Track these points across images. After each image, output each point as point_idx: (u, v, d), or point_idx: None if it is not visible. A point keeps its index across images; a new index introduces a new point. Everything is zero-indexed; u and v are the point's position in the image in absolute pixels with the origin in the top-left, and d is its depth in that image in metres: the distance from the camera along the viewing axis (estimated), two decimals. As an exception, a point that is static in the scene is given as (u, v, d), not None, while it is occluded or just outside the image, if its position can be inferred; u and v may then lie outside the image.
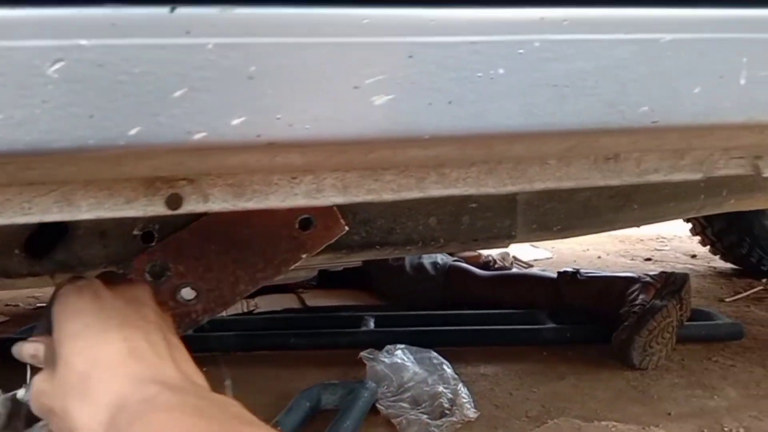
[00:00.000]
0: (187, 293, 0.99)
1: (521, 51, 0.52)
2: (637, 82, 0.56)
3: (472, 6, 0.51)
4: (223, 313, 2.43)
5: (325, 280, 2.89)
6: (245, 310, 2.50)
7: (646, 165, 0.73)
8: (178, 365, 0.69)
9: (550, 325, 2.29)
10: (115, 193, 0.60)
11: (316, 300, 2.73)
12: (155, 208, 0.61)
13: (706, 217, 3.13)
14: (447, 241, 1.11)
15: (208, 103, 0.48)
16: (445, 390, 1.77)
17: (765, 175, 0.80)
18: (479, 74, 0.52)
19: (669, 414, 1.79)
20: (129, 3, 0.46)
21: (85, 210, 0.59)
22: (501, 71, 0.52)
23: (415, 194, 0.67)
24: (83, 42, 0.45)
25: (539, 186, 0.70)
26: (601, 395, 1.90)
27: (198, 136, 0.49)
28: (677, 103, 0.58)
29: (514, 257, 3.38)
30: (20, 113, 0.45)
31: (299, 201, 0.64)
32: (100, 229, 0.99)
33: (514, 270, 3.12)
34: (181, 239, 0.98)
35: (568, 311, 2.36)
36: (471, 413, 1.72)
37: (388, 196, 0.67)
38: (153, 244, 0.99)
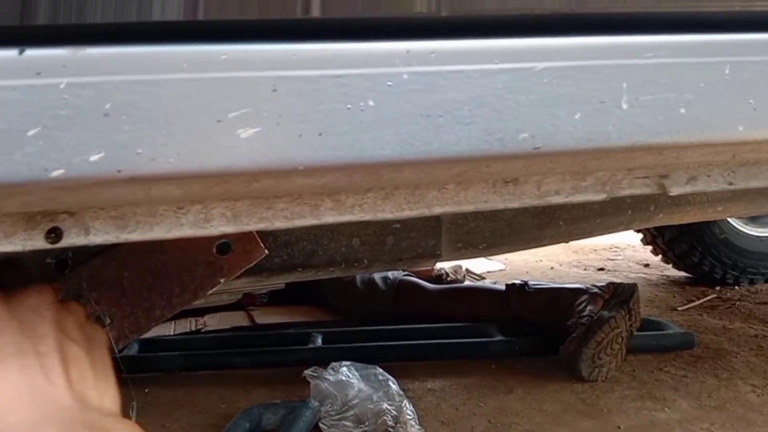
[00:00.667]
0: (102, 320, 0.97)
1: (390, 83, 0.52)
2: (514, 110, 0.56)
3: (336, 40, 0.51)
4: (170, 332, 2.43)
5: (276, 297, 2.86)
6: (192, 328, 2.47)
7: (546, 187, 0.73)
8: (73, 389, 0.68)
9: (499, 337, 2.29)
10: (-7, 229, 0.59)
11: (265, 317, 2.71)
12: (34, 242, 0.60)
13: (656, 227, 3.16)
14: (371, 262, 1.10)
15: (64, 141, 0.47)
16: (389, 407, 1.76)
17: (672, 193, 0.80)
18: (348, 106, 0.52)
19: (619, 427, 1.79)
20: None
21: (-39, 246, 0.58)
22: (371, 103, 0.52)
23: (310, 221, 0.67)
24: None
25: (438, 210, 0.70)
26: (549, 409, 1.90)
27: (56, 174, 0.48)
28: (558, 129, 0.58)
29: (466, 270, 3.38)
30: None
31: (186, 231, 0.63)
32: (14, 257, 0.98)
33: (465, 283, 3.13)
34: (95, 267, 0.97)
35: (517, 323, 2.37)
36: (415, 430, 1.71)
37: (281, 224, 0.66)
38: (67, 272, 0.98)
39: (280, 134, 0.51)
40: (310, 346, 2.26)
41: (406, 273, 2.74)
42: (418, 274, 2.80)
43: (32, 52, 0.46)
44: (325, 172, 0.56)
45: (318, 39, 0.51)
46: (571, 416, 1.85)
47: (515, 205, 0.72)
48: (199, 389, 2.06)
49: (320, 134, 0.52)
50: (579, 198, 0.75)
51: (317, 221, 0.67)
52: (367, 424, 1.72)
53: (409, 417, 1.73)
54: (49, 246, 0.60)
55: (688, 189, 0.78)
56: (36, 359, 0.67)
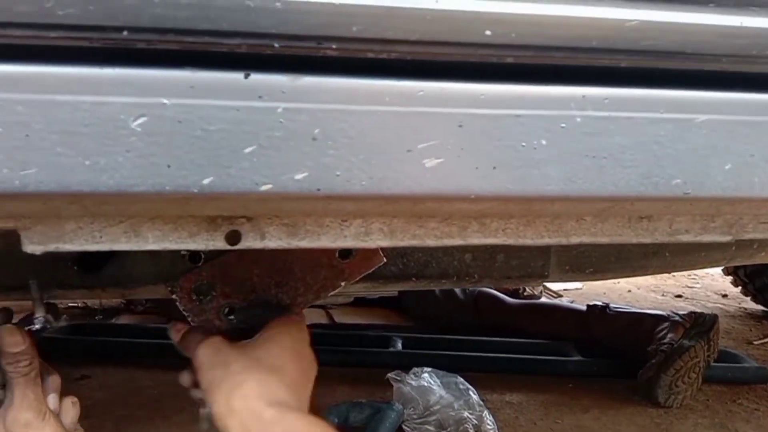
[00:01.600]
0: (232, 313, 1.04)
1: (563, 125, 0.56)
2: (671, 157, 0.59)
3: (519, 82, 0.55)
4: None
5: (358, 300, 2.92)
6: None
7: (677, 226, 0.77)
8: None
9: (577, 357, 2.31)
10: (180, 228, 0.65)
11: (344, 317, 2.77)
12: (216, 243, 0.66)
13: (739, 259, 3.10)
14: (481, 278, 1.14)
15: (275, 159, 0.53)
16: (470, 416, 1.80)
17: (793, 239, 0.83)
18: (523, 144, 0.56)
19: (691, 454, 1.81)
20: (206, 67, 0.51)
21: (151, 241, 0.64)
22: (543, 142, 0.56)
23: (457, 241, 0.71)
24: (165, 101, 0.51)
25: (575, 240, 0.74)
26: (624, 430, 1.92)
27: (264, 188, 0.53)
28: (709, 177, 0.61)
29: (543, 285, 3.39)
30: (104, 160, 0.51)
31: (348, 242, 0.69)
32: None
33: (543, 299, 3.14)
34: (228, 262, 1.03)
35: (595, 344, 2.38)
36: (495, 441, 1.75)
37: (431, 242, 0.71)
38: (200, 264, 1.04)
39: (460, 166, 0.56)
40: (391, 349, 2.31)
41: (483, 284, 2.77)
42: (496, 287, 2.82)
43: (256, 77, 0.52)
44: (487, 201, 0.60)
45: (503, 80, 0.55)
46: (646, 439, 1.87)
47: (647, 240, 0.76)
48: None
49: (494, 168, 0.56)
50: (706, 238, 0.78)
51: (464, 242, 0.72)
52: (449, 430, 1.76)
53: (489, 427, 1.77)
54: (228, 247, 0.66)
55: (806, 236, 0.80)
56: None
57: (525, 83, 0.56)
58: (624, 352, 2.29)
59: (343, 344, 2.33)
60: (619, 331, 2.35)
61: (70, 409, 0.97)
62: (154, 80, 0.50)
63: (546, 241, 0.73)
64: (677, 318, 2.27)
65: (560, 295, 3.45)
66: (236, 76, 0.52)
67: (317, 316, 2.76)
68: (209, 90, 0.52)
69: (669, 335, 2.19)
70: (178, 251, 1.05)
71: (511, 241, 0.72)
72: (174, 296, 1.03)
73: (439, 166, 0.55)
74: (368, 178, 0.55)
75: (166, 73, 0.51)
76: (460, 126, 0.55)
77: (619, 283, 3.90)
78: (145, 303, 3.00)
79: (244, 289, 1.04)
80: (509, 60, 0.55)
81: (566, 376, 2.28)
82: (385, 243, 0.70)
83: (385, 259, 1.06)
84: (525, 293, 3.15)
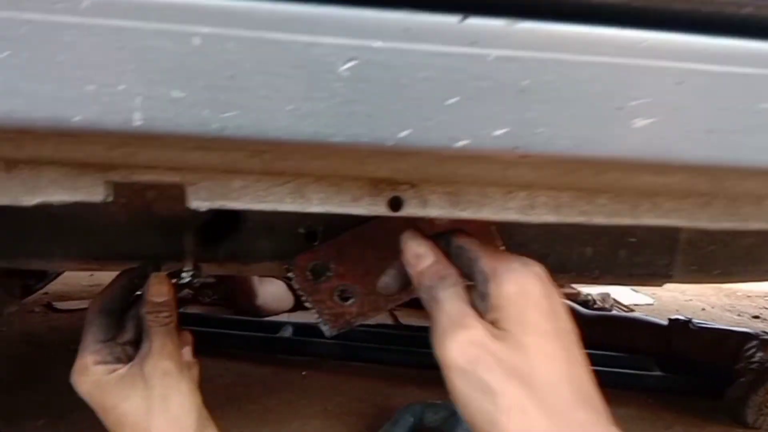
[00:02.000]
0: (345, 295, 1.01)
1: (795, 86, 0.51)
2: None
3: (753, 38, 0.50)
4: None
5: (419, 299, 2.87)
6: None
7: None
8: None
9: (658, 372, 2.23)
10: (343, 190, 0.61)
11: (408, 318, 2.74)
12: (378, 208, 0.62)
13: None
14: (602, 274, 1.09)
15: (477, 113, 0.49)
16: (548, 423, 1.74)
17: None
18: (743, 106, 0.51)
19: (779, 477, 1.74)
20: (422, 9, 0.47)
21: (315, 203, 0.61)
22: (767, 105, 0.51)
23: (627, 221, 0.66)
24: (377, 44, 0.47)
25: (754, 226, 0.68)
26: (709, 449, 1.85)
27: (460, 144, 0.49)
28: None
29: (614, 299, 3.31)
30: (308, 106, 0.47)
31: (511, 216, 0.64)
32: (269, 224, 1.02)
33: (614, 312, 3.05)
34: (344, 242, 1.00)
35: (675, 360, 2.30)
36: (576, 452, 1.69)
37: (599, 220, 0.66)
38: (315, 243, 1.01)
39: (671, 128, 0.51)
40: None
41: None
42: (565, 297, 2.76)
43: (472, 21, 0.47)
44: (683, 171, 0.55)
45: (736, 34, 0.50)
46: (731, 460, 1.81)
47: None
48: (357, 379, 2.11)
49: (708, 131, 0.51)
50: None
51: (634, 221, 0.67)
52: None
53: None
54: (390, 213, 0.62)
55: None
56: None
57: (760, 39, 0.50)
58: (707, 369, 2.21)
59: (408, 344, 2.29)
60: (703, 347, 2.27)
61: (194, 367, 0.95)
62: (369, 21, 0.47)
63: (723, 225, 0.68)
64: (766, 337, 2.19)
65: (632, 309, 3.35)
66: (452, 20, 0.48)
67: (381, 317, 2.73)
68: (423, 34, 0.47)
69: (759, 354, 2.12)
70: (295, 229, 1.02)
71: (684, 224, 0.67)
72: (290, 274, 1.01)
73: (648, 126, 0.51)
74: (570, 137, 0.50)
75: (382, 14, 0.47)
76: (680, 83, 0.50)
77: (691, 300, 3.79)
78: (212, 295, 3.05)
79: (359, 271, 1.00)
80: (747, 10, 0.50)
81: (646, 391, 2.20)
82: (550, 218, 0.66)
83: (503, 248, 1.01)
84: (595, 305, 3.08)
